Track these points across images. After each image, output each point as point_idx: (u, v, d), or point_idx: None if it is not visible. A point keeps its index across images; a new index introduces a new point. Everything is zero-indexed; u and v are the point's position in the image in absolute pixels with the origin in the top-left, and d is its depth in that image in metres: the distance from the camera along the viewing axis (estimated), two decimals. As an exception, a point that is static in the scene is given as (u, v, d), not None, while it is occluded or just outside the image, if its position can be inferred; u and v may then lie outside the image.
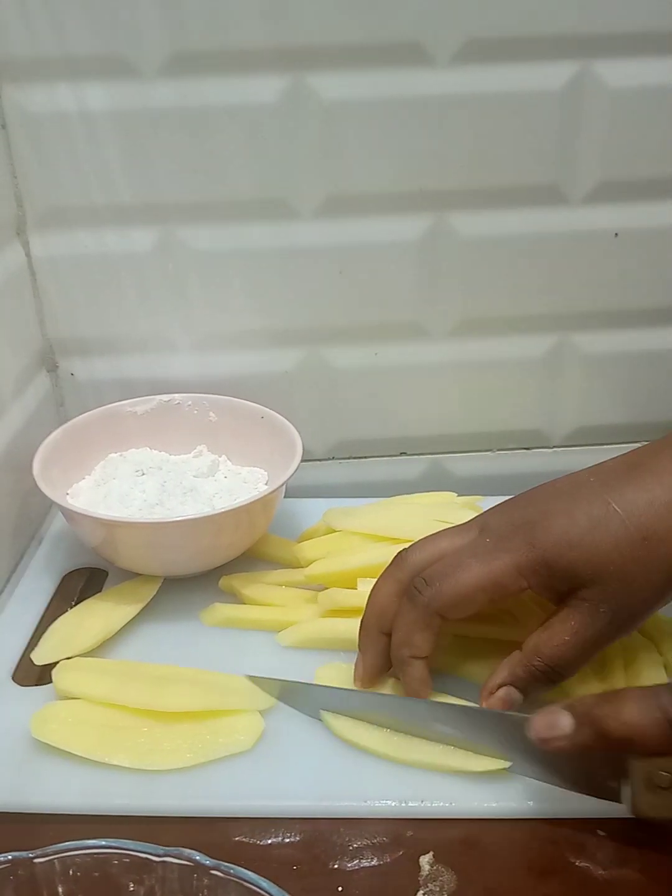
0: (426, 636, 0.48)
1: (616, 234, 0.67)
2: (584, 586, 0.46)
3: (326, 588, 0.58)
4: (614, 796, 0.43)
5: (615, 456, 0.49)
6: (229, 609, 0.58)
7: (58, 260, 0.67)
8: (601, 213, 0.66)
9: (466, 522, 0.50)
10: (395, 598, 0.49)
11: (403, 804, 0.45)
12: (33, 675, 0.55)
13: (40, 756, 0.48)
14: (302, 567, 0.61)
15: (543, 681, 0.47)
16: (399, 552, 0.51)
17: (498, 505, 0.50)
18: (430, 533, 0.51)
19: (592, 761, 0.43)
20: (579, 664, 0.47)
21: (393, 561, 0.51)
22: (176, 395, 0.69)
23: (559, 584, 0.46)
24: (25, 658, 0.55)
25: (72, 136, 0.62)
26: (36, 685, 0.54)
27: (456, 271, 0.68)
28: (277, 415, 0.66)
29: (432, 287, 0.69)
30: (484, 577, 0.46)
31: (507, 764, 0.46)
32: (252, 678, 0.51)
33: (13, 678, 0.54)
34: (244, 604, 0.60)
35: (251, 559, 0.63)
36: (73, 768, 0.47)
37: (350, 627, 0.53)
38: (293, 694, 0.51)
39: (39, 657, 0.54)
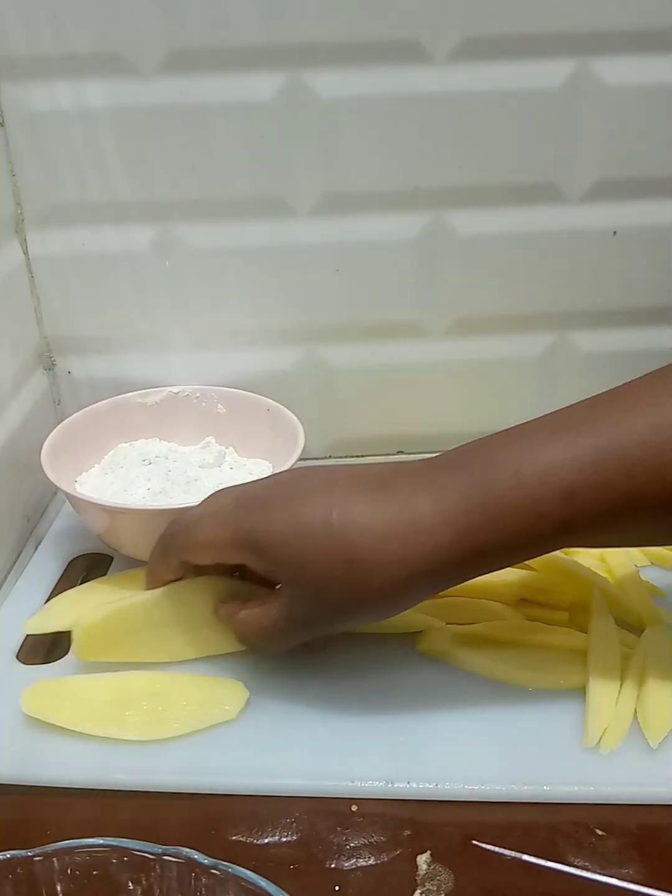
0: (165, 564, 0.51)
1: (614, 232, 0.67)
2: (287, 583, 0.47)
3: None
4: None
5: (396, 463, 0.49)
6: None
7: (55, 258, 0.67)
8: (599, 211, 0.66)
9: (242, 485, 0.52)
10: None
11: (390, 785, 0.46)
12: (38, 654, 0.56)
13: (45, 732, 0.49)
14: None
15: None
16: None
17: (268, 476, 0.53)
18: None
19: None
20: (271, 647, 0.50)
21: None
22: (185, 386, 0.70)
23: (268, 574, 0.48)
24: (30, 638, 0.57)
25: (70, 134, 0.62)
26: (42, 664, 0.55)
27: (453, 269, 0.68)
28: (282, 407, 0.66)
29: (430, 285, 0.69)
30: (209, 540, 0.48)
31: None
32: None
33: (17, 657, 0.55)
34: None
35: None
36: (74, 743, 0.48)
37: None
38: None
39: (29, 627, 0.56)
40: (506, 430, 0.46)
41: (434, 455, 0.48)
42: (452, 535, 0.43)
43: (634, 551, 0.61)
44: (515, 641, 0.53)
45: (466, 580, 0.46)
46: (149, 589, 0.52)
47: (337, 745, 0.48)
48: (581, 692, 0.50)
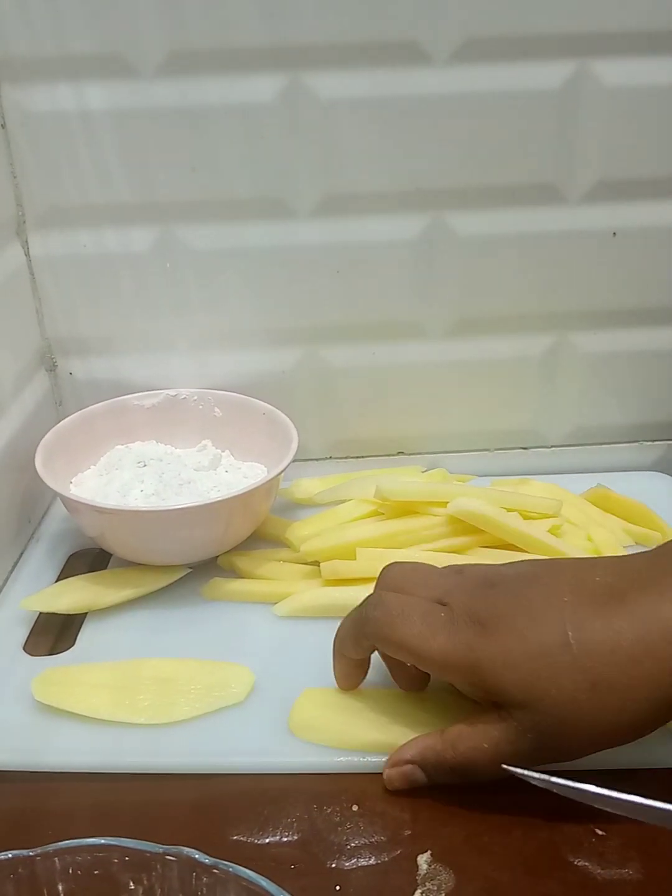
0: (357, 646, 0.48)
1: (614, 233, 0.67)
2: (515, 707, 0.42)
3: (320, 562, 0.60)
4: None
5: (616, 563, 0.45)
6: (229, 583, 0.60)
7: (57, 259, 0.67)
8: (599, 212, 0.66)
9: (448, 569, 0.48)
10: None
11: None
12: (43, 645, 0.57)
13: (52, 720, 0.50)
14: (297, 547, 0.62)
15: (450, 774, 0.44)
16: (389, 565, 0.50)
17: (475, 581, 0.46)
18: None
19: None
20: (492, 774, 0.43)
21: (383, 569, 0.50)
22: (182, 389, 0.70)
23: (488, 696, 0.43)
24: (35, 629, 0.58)
25: (71, 135, 0.63)
26: (47, 655, 0.56)
27: (453, 271, 0.68)
28: (278, 411, 0.66)
29: (430, 286, 0.69)
30: (414, 646, 0.44)
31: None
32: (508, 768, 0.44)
33: (24, 648, 0.56)
34: (243, 578, 0.61)
35: (250, 539, 0.64)
36: (81, 729, 0.49)
37: (343, 595, 0.56)
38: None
39: (27, 604, 0.58)
40: None
41: (654, 551, 0.45)
42: None
43: (619, 531, 0.64)
44: None
45: None
46: (337, 664, 0.50)
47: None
48: None
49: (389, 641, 0.45)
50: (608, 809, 0.39)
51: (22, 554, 0.65)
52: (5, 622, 0.58)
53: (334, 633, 0.50)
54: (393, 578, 0.48)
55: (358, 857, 0.43)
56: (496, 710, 0.43)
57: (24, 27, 0.60)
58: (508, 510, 0.62)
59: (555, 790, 0.41)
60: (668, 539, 0.47)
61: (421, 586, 0.47)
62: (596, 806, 0.40)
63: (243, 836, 0.44)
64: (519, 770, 0.42)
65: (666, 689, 0.40)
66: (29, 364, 0.68)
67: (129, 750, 0.48)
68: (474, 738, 0.43)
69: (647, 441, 0.74)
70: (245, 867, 0.34)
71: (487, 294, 0.69)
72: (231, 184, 0.65)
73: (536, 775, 0.41)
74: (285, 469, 0.61)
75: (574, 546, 0.61)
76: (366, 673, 0.50)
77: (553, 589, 0.43)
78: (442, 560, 0.54)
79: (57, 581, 0.62)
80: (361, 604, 0.48)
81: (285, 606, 0.58)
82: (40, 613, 0.59)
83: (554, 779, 0.41)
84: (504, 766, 0.42)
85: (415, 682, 0.50)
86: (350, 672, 0.50)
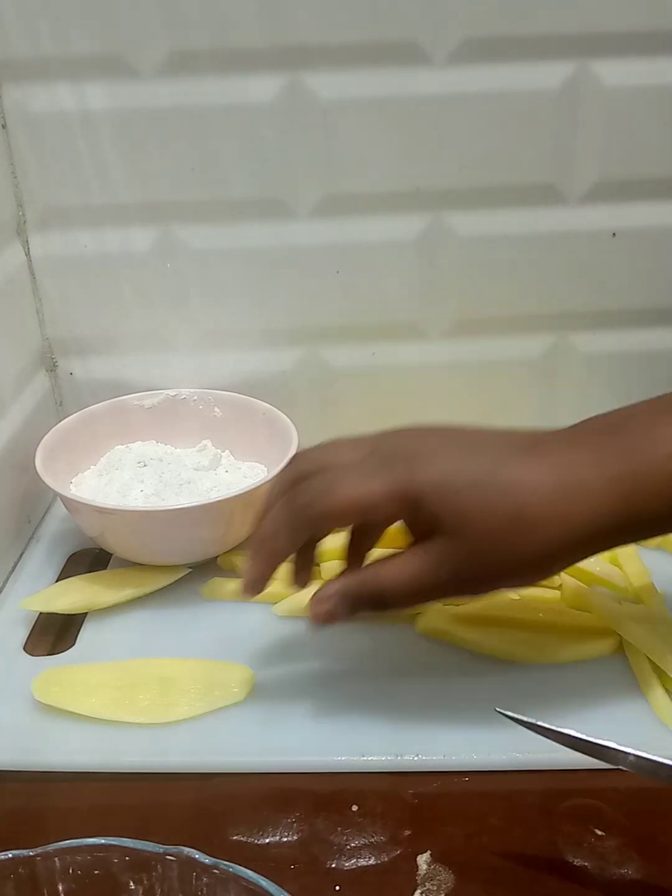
0: (291, 539, 0.47)
1: (614, 233, 0.67)
2: (442, 535, 0.44)
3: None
4: None
5: (542, 432, 0.47)
6: (228, 583, 0.60)
7: (57, 260, 0.67)
8: (599, 212, 0.66)
9: (362, 439, 0.49)
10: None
11: (399, 758, 0.47)
12: (44, 645, 0.57)
13: (52, 720, 0.50)
14: None
15: (372, 605, 0.46)
16: (293, 456, 0.50)
17: (396, 429, 0.48)
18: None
19: None
20: (411, 604, 0.47)
21: (287, 464, 0.50)
22: (182, 389, 0.70)
23: (422, 524, 0.45)
24: (35, 629, 0.58)
25: (71, 136, 0.63)
26: (47, 655, 0.56)
27: (453, 271, 0.68)
28: (278, 411, 0.66)
29: (429, 287, 0.69)
30: (358, 496, 0.45)
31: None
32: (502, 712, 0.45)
33: (24, 648, 0.57)
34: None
35: (248, 539, 0.63)
36: (81, 729, 0.49)
37: None
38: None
39: (27, 604, 0.58)
40: (643, 402, 0.47)
41: (570, 426, 0.47)
42: (616, 499, 0.43)
43: None
44: (511, 620, 0.55)
45: (615, 547, 0.46)
46: (265, 567, 0.48)
47: (343, 723, 0.49)
48: (575, 666, 0.52)
49: (333, 507, 0.45)
50: (590, 756, 0.41)
51: (22, 554, 0.65)
52: (5, 622, 0.58)
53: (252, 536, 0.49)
54: (310, 459, 0.48)
55: (358, 858, 0.43)
56: (419, 543, 0.45)
57: (25, 27, 0.60)
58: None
59: (538, 732, 0.43)
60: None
61: (341, 452, 0.48)
62: (577, 751, 0.41)
63: (243, 836, 0.44)
64: (509, 713, 0.44)
65: (576, 529, 0.43)
66: (29, 364, 0.68)
67: (129, 750, 0.48)
68: (395, 568, 0.45)
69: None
70: (245, 867, 0.34)
71: (487, 294, 0.69)
72: (231, 184, 0.65)
73: (524, 719, 0.43)
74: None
75: None
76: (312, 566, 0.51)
77: (481, 434, 0.47)
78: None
79: (57, 581, 0.62)
80: (279, 494, 0.48)
81: (285, 606, 0.58)
82: (40, 613, 0.59)
83: (540, 723, 0.42)
84: (496, 709, 0.44)
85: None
86: (297, 568, 0.50)
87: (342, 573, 0.48)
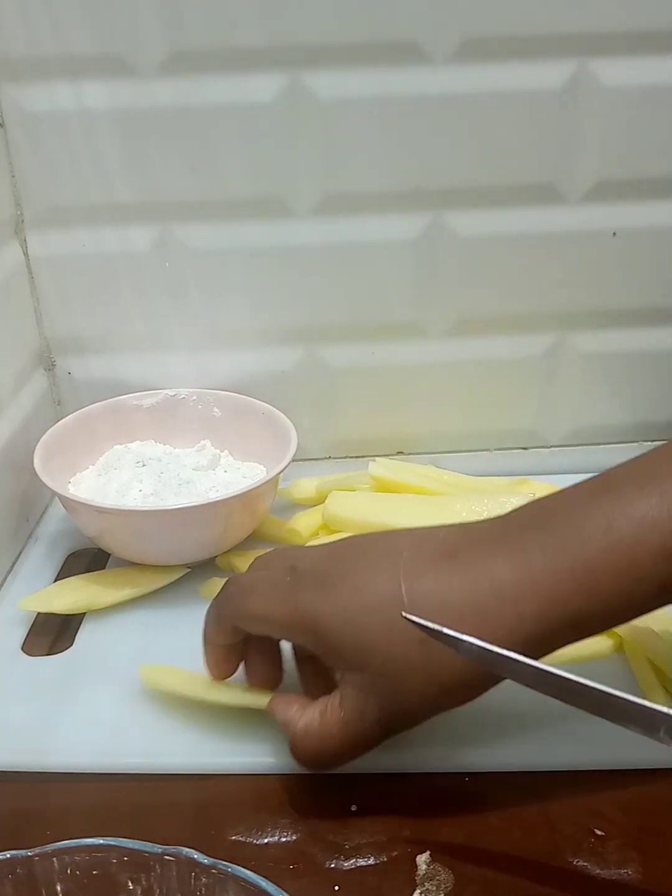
0: (217, 631, 0.47)
1: (614, 233, 0.67)
2: (351, 670, 0.42)
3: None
4: None
5: (465, 525, 0.44)
6: None
7: (55, 259, 0.67)
8: (599, 212, 0.66)
9: (298, 547, 0.49)
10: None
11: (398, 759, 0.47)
12: (42, 645, 0.58)
13: (51, 719, 0.50)
14: (296, 544, 0.62)
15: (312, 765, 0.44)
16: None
17: (320, 545, 0.47)
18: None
19: None
20: (347, 761, 0.43)
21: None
22: (181, 389, 0.70)
23: (329, 659, 0.43)
24: (34, 629, 0.58)
25: (70, 135, 0.63)
26: (46, 655, 0.56)
27: (453, 270, 0.68)
28: (277, 411, 0.66)
29: (429, 286, 0.69)
30: (262, 613, 0.44)
31: None
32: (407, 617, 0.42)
33: (23, 648, 0.57)
34: None
35: (249, 540, 0.64)
36: (80, 729, 0.50)
37: None
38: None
39: (26, 604, 0.58)
40: (581, 483, 0.42)
41: (502, 515, 0.43)
42: (540, 603, 0.39)
43: None
44: None
45: (552, 652, 0.40)
46: (207, 652, 0.48)
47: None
48: (575, 667, 0.50)
49: (242, 615, 0.45)
50: (533, 687, 0.37)
51: (20, 554, 0.65)
52: (3, 622, 0.58)
53: None
54: (257, 562, 0.48)
55: (357, 858, 0.43)
56: (336, 691, 0.42)
57: (24, 27, 0.60)
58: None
59: (446, 642, 0.38)
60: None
61: (277, 560, 0.46)
62: (518, 680, 0.38)
63: (242, 837, 0.44)
64: (415, 619, 0.39)
65: (498, 643, 0.38)
66: (27, 364, 0.68)
67: (129, 750, 0.48)
68: (323, 729, 0.42)
69: (647, 441, 0.74)
70: (244, 867, 0.33)
71: (487, 294, 0.69)
72: (231, 183, 0.65)
73: (430, 625, 0.38)
74: (284, 469, 0.61)
75: None
76: (239, 662, 0.48)
77: (395, 545, 0.43)
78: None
79: (55, 581, 0.62)
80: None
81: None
82: (39, 613, 0.59)
83: (445, 630, 0.38)
84: (404, 613, 0.39)
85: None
86: (219, 659, 0.48)
87: (281, 706, 0.46)
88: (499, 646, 0.37)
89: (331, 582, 0.42)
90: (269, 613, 0.44)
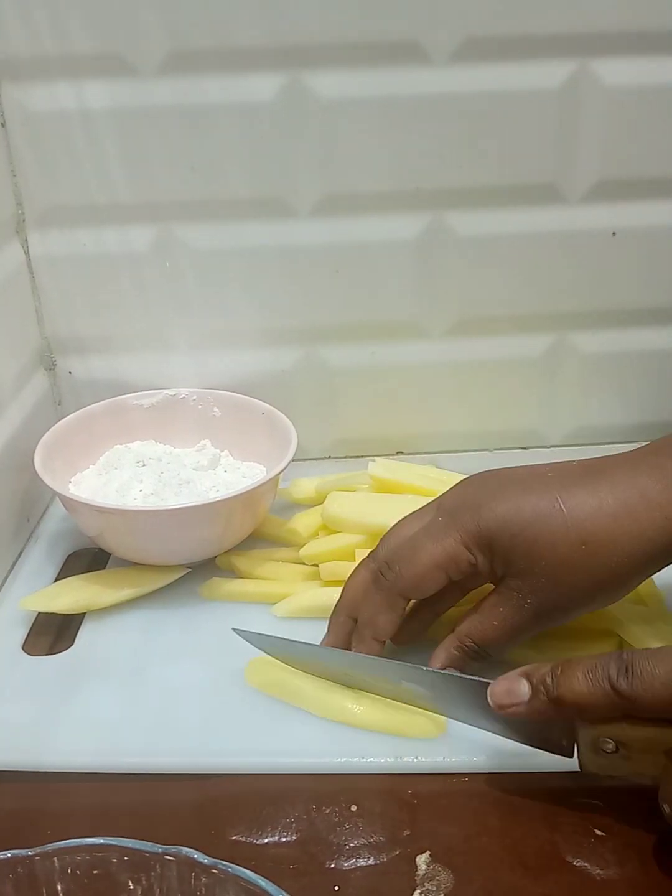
0: (390, 618, 0.50)
1: (614, 233, 0.67)
2: (517, 576, 0.47)
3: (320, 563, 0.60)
4: (567, 753, 0.44)
5: (591, 459, 0.50)
6: (227, 583, 0.60)
7: (56, 259, 0.67)
8: (599, 212, 0.66)
9: (426, 505, 0.52)
10: (366, 585, 0.51)
11: (399, 760, 0.47)
12: (42, 644, 0.58)
13: (51, 719, 0.50)
14: (296, 543, 0.62)
15: (476, 660, 0.49)
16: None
17: (455, 485, 0.52)
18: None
19: (547, 722, 0.44)
20: (509, 646, 0.49)
21: (369, 553, 0.53)
22: (182, 389, 0.70)
23: (497, 567, 0.48)
24: (34, 628, 0.58)
25: (71, 134, 0.63)
26: (46, 655, 0.56)
27: (453, 270, 0.68)
28: (277, 411, 0.66)
29: (429, 286, 0.69)
30: (438, 555, 0.48)
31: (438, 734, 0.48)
32: (238, 631, 0.53)
33: (23, 648, 0.57)
34: (241, 578, 0.61)
35: (249, 539, 0.64)
36: (80, 729, 0.50)
37: None
38: (277, 649, 0.53)
39: (26, 603, 0.58)
40: None
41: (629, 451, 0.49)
42: None
43: None
44: None
45: None
46: (371, 651, 0.50)
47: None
48: None
49: (417, 574, 0.48)
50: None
51: (21, 553, 0.65)
52: (4, 622, 0.58)
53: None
54: (384, 543, 0.51)
55: (357, 858, 0.43)
56: (497, 589, 0.48)
57: (24, 27, 0.60)
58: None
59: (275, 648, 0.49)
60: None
61: (411, 524, 0.51)
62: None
63: (242, 837, 0.44)
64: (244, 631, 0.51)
65: (644, 543, 0.45)
66: (28, 363, 0.68)
67: (129, 750, 0.48)
68: (484, 622, 0.48)
69: (647, 441, 0.74)
70: (244, 867, 0.34)
71: (487, 294, 0.69)
72: (231, 183, 0.65)
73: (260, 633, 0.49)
74: (284, 469, 0.61)
75: None
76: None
77: (533, 471, 0.49)
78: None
79: (56, 580, 0.62)
80: (364, 582, 0.51)
81: (284, 607, 0.58)
82: (39, 613, 0.59)
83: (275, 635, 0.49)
84: (233, 628, 0.49)
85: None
86: (341, 645, 0.52)
87: (438, 649, 0.50)
88: (648, 545, 0.45)
89: (483, 505, 0.48)
90: (445, 551, 0.48)
